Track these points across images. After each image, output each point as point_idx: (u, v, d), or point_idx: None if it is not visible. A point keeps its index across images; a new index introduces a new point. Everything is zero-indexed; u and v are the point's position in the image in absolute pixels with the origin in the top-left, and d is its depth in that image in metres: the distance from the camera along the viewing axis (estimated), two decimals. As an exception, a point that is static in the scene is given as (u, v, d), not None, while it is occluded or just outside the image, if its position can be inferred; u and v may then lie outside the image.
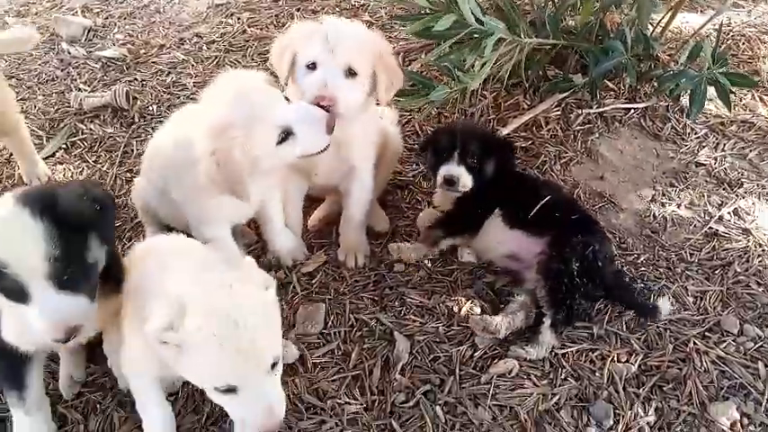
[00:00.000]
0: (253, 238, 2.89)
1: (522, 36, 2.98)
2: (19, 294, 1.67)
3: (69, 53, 4.20)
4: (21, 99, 3.82)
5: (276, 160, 2.28)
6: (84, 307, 1.73)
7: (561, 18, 3.37)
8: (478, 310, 2.54)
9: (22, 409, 2.08)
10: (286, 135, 2.21)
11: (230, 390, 1.67)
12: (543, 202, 2.54)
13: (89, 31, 4.41)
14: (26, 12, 4.81)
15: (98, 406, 2.30)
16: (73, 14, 4.62)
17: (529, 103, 3.48)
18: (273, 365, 1.72)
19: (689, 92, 3.05)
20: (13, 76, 4.07)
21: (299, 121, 2.21)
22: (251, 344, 1.62)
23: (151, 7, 4.68)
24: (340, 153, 2.58)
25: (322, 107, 2.28)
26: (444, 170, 2.68)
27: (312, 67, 2.36)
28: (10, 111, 3.03)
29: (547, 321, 2.37)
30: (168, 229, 2.75)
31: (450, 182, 2.66)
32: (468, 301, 2.59)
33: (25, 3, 4.92)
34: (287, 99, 2.29)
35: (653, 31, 3.51)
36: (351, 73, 2.37)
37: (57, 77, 4.03)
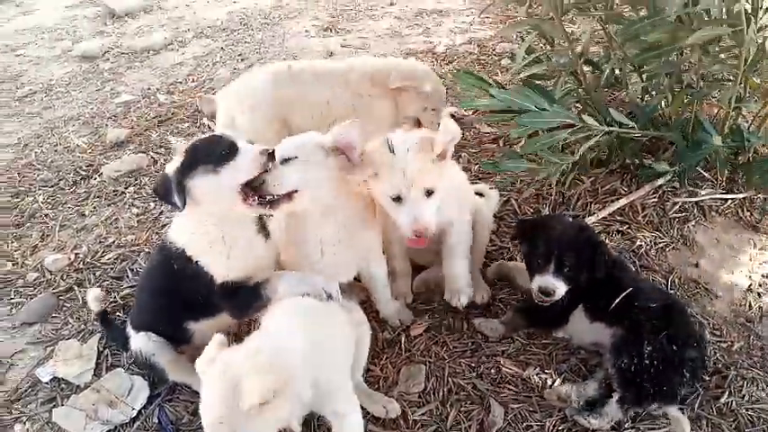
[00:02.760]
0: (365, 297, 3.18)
1: (601, 125, 3.21)
2: None
3: (209, 127, 4.82)
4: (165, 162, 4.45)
5: None
6: None
7: (656, 108, 3.59)
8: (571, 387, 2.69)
9: None
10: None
11: None
12: (622, 296, 2.66)
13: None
14: (174, 89, 5.57)
15: None
16: (213, 93, 5.29)
17: (626, 188, 3.66)
18: None
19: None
20: (161, 146, 4.73)
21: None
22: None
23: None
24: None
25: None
26: (540, 281, 2.70)
27: (397, 199, 2.60)
28: None
29: (615, 396, 2.51)
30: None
31: (547, 293, 2.70)
32: (560, 375, 2.75)
33: (173, 81, 5.72)
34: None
35: (750, 124, 3.64)
36: (429, 193, 2.61)
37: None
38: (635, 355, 2.50)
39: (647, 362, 2.47)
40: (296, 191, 2.50)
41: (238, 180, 2.42)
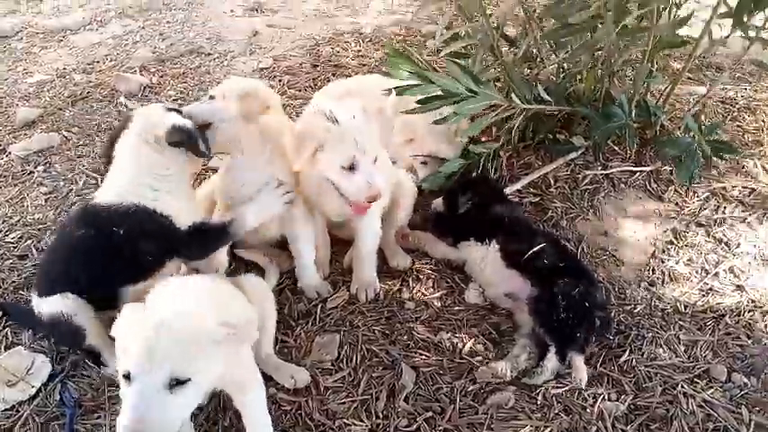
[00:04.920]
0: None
1: (521, 102, 3.28)
2: None
3: (126, 107, 4.65)
4: (80, 145, 4.27)
5: None
6: None
7: (569, 85, 3.69)
8: (481, 348, 2.74)
9: None
10: None
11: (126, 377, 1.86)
12: (536, 248, 2.79)
13: (145, 88, 4.91)
14: (91, 69, 5.36)
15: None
16: (132, 73, 5.13)
17: (540, 162, 3.75)
18: (175, 384, 1.84)
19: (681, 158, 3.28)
20: (75, 125, 4.53)
21: None
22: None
23: (201, 69, 5.18)
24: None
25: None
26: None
27: (350, 168, 2.65)
28: None
29: (552, 350, 2.59)
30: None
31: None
32: (471, 339, 2.79)
33: (91, 61, 5.49)
34: None
35: (657, 100, 3.79)
36: (376, 160, 2.70)
37: (113, 127, 4.46)
38: (554, 311, 2.61)
39: (563, 315, 2.60)
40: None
41: None
